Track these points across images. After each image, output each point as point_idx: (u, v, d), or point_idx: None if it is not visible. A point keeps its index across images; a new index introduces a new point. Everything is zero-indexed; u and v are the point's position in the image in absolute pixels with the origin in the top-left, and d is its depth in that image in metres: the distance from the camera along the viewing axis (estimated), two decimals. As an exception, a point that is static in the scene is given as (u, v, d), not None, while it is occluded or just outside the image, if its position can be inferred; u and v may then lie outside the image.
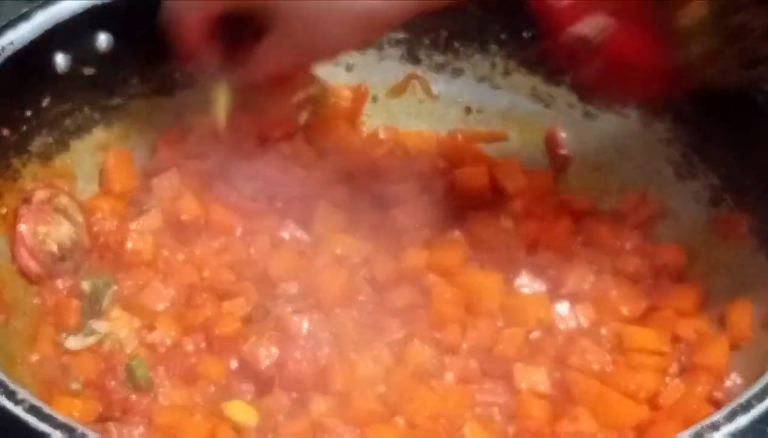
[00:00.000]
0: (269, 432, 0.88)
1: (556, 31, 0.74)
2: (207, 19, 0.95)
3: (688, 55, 0.75)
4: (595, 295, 0.99)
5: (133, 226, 1.02)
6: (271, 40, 0.94)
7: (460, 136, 1.14)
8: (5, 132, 0.98)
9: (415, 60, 1.15)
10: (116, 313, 0.96)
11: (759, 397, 0.79)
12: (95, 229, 1.02)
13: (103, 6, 1.01)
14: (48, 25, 0.98)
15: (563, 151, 1.13)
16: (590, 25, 0.73)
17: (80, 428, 0.74)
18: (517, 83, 1.13)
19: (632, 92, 0.85)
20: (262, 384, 0.92)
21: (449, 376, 0.92)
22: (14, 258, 0.98)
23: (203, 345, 0.94)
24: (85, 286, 0.97)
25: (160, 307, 0.97)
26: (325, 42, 0.94)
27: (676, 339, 0.97)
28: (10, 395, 0.76)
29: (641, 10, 0.75)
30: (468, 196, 1.08)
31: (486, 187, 1.09)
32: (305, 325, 0.94)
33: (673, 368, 0.96)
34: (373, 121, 1.15)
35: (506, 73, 1.13)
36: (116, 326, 0.95)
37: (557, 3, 0.78)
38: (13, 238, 0.98)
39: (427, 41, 1.14)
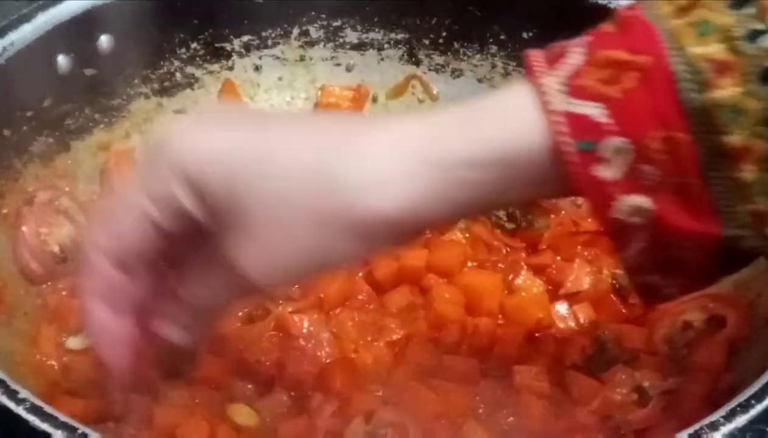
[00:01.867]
0: (269, 432, 0.88)
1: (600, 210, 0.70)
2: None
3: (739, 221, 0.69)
4: (594, 295, 0.99)
5: (133, 226, 1.02)
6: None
7: (460, 136, 1.14)
8: (6, 132, 0.98)
9: (415, 60, 1.15)
10: (117, 313, 0.96)
11: (758, 397, 0.79)
12: (96, 229, 1.02)
13: (105, 7, 1.01)
14: (49, 26, 0.98)
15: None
16: (629, 204, 0.68)
17: (81, 428, 0.74)
18: (517, 83, 1.13)
19: (680, 276, 0.76)
20: (262, 384, 0.92)
21: (449, 376, 0.93)
22: (16, 259, 0.98)
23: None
24: (86, 286, 0.97)
25: (161, 307, 0.97)
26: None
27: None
28: (12, 395, 0.76)
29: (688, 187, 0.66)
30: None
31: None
32: (305, 325, 0.94)
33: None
34: (373, 121, 1.15)
35: (506, 73, 1.12)
36: (117, 326, 0.95)
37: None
38: (15, 239, 0.98)
39: (427, 41, 1.13)
